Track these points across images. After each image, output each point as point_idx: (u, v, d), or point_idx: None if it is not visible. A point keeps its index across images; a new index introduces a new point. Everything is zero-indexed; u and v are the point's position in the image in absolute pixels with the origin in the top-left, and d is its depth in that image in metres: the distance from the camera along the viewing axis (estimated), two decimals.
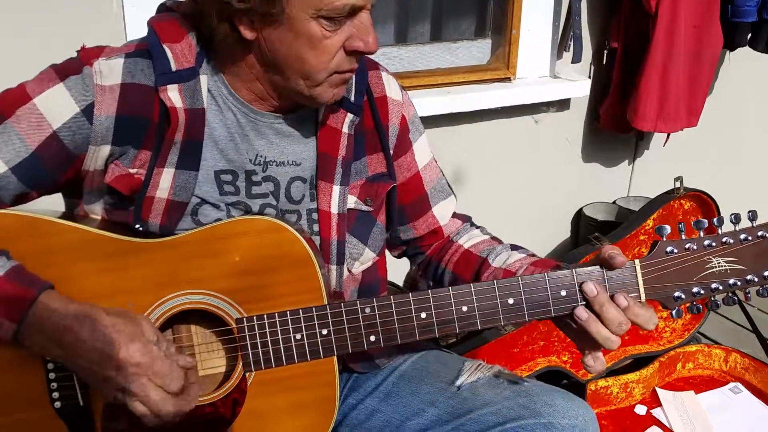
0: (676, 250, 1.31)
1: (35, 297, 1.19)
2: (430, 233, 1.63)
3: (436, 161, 1.64)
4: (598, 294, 1.28)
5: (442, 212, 1.63)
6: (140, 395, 1.17)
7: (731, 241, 1.31)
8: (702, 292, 1.32)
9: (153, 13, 2.34)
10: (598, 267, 1.31)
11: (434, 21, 3.14)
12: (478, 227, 1.67)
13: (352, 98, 1.44)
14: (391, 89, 1.54)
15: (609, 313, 1.27)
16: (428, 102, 2.84)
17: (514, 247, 1.55)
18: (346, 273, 1.47)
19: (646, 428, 2.55)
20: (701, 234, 1.31)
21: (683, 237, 1.32)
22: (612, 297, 1.29)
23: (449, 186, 1.66)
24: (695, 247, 1.31)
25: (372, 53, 1.31)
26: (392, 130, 1.53)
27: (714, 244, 1.31)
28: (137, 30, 2.31)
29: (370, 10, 1.29)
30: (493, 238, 1.62)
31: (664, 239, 1.32)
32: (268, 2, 1.20)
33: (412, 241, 1.64)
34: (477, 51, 3.15)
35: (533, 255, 1.52)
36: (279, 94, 1.37)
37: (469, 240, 1.60)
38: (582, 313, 1.29)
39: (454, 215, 1.66)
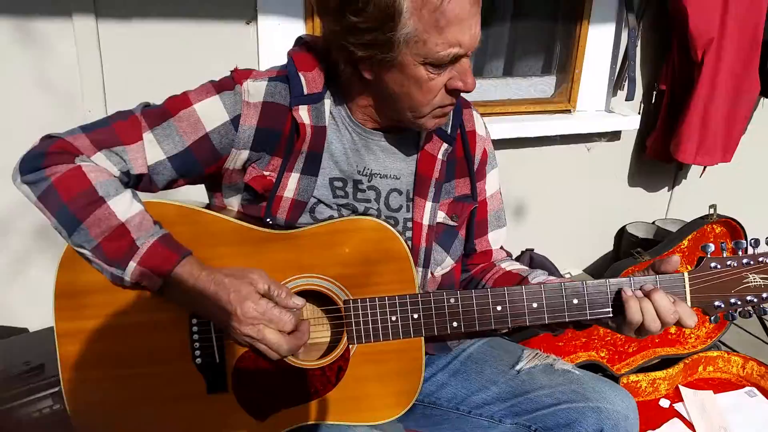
0: (719, 266, 1.33)
1: (179, 260, 1.28)
2: (481, 253, 1.64)
3: (500, 193, 1.65)
4: (654, 288, 1.31)
5: (495, 237, 1.64)
6: (259, 338, 1.26)
7: (767, 261, 1.32)
8: (738, 302, 1.33)
9: (279, 42, 2.43)
10: (652, 276, 1.33)
11: (507, 59, 3.14)
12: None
13: (449, 131, 1.48)
14: (479, 126, 1.58)
15: (662, 300, 1.29)
16: (499, 128, 2.86)
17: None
18: (429, 275, 1.50)
19: (668, 419, 2.53)
20: (740, 253, 1.32)
21: (725, 254, 1.33)
22: None
23: (505, 217, 1.66)
24: (735, 264, 1.32)
25: (469, 92, 1.33)
26: (476, 159, 1.56)
27: (752, 262, 1.33)
28: (268, 54, 2.41)
29: (470, 56, 1.30)
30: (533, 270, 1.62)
31: (709, 255, 1.33)
32: (384, 51, 1.24)
33: (466, 257, 1.65)
34: (543, 86, 3.15)
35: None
36: (389, 119, 1.41)
37: (511, 265, 1.62)
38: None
39: (502, 248, 1.67)
